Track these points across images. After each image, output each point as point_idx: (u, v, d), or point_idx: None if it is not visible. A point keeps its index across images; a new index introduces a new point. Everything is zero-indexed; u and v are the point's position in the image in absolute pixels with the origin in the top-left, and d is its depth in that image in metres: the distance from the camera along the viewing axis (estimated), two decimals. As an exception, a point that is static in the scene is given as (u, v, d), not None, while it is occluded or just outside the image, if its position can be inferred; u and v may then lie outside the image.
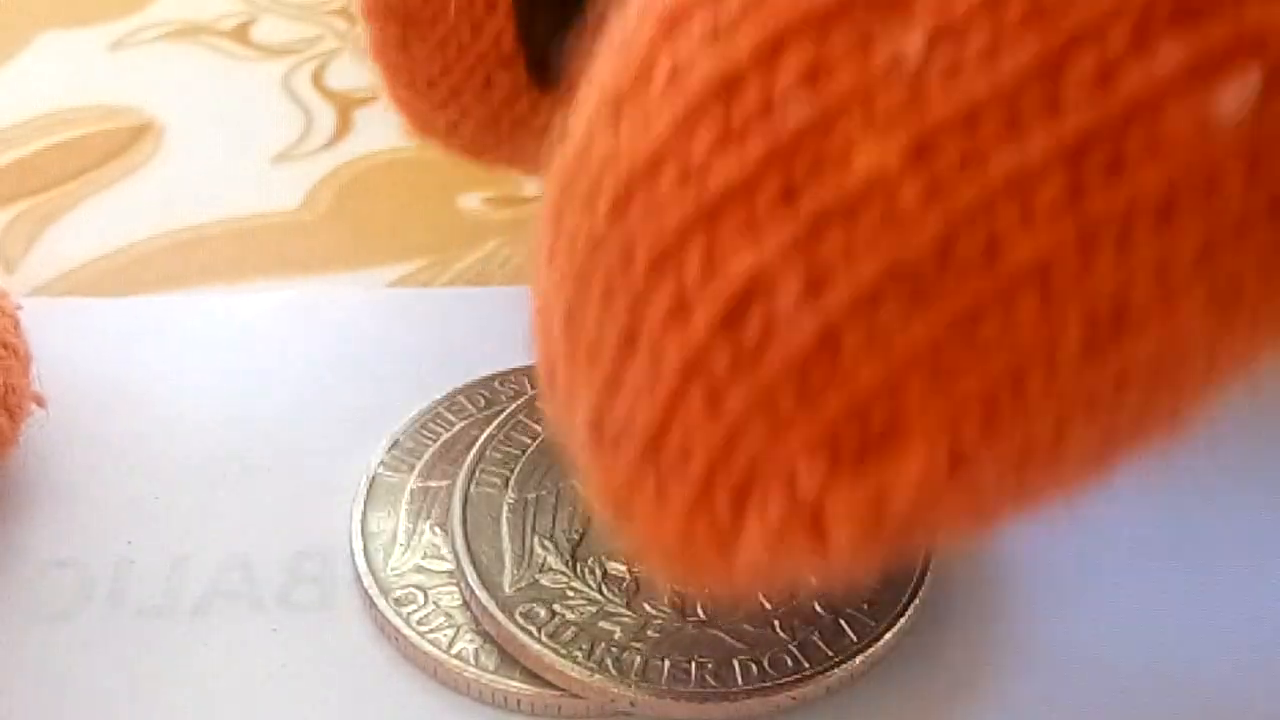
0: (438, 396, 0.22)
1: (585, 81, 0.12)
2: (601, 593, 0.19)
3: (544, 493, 0.20)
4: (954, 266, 0.10)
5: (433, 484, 0.20)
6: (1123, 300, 0.10)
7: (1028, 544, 0.20)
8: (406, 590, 0.19)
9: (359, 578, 0.19)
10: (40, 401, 0.20)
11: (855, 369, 0.10)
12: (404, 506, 0.20)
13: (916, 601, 0.19)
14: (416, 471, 0.21)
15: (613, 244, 0.11)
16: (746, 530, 0.11)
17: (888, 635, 0.18)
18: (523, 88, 0.21)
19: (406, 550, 0.20)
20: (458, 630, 0.18)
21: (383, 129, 0.29)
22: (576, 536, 0.19)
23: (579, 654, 0.18)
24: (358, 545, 0.20)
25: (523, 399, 0.21)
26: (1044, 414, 0.11)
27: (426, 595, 0.19)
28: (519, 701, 0.18)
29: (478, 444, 0.20)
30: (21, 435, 0.20)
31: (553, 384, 0.12)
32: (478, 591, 0.18)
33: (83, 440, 0.21)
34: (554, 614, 0.18)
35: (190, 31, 0.32)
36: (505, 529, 0.19)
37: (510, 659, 0.18)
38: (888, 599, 0.19)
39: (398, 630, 0.18)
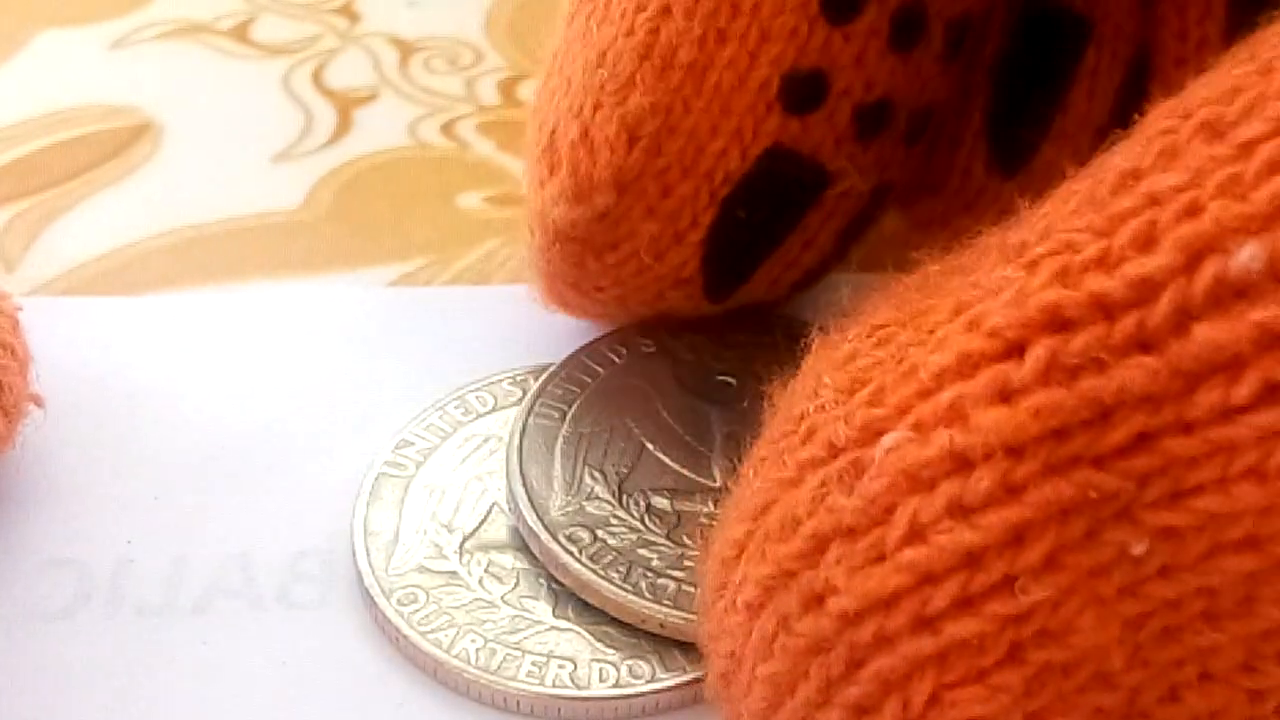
0: (442, 395, 0.22)
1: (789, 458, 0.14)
2: (643, 523, 0.19)
3: (598, 429, 0.20)
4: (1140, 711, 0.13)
5: (438, 482, 0.20)
6: None
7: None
8: (407, 590, 0.19)
9: (359, 577, 0.19)
10: (38, 402, 0.20)
11: None
12: (407, 505, 0.20)
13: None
14: (421, 470, 0.21)
15: (840, 654, 0.13)
16: None
17: None
18: (696, 298, 0.21)
19: (408, 550, 0.20)
20: (458, 630, 0.18)
21: (383, 129, 0.29)
22: (625, 470, 0.20)
23: (616, 576, 0.18)
24: (359, 544, 0.19)
25: (585, 344, 0.22)
26: None
27: (427, 595, 0.19)
28: (519, 702, 0.18)
29: (541, 379, 0.21)
30: (19, 436, 0.20)
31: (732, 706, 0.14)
32: (525, 513, 0.19)
33: (82, 440, 0.21)
34: (596, 538, 0.19)
35: (190, 31, 0.32)
36: (558, 458, 0.20)
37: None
38: None
39: (398, 630, 0.18)
